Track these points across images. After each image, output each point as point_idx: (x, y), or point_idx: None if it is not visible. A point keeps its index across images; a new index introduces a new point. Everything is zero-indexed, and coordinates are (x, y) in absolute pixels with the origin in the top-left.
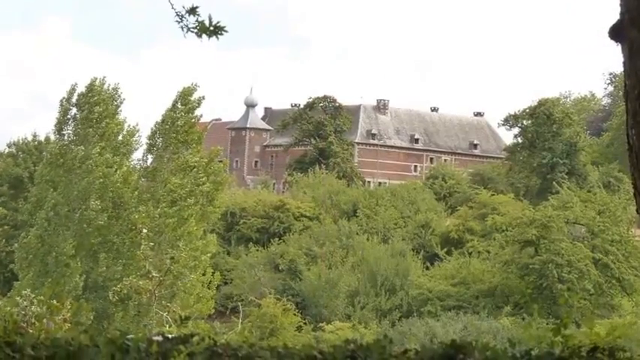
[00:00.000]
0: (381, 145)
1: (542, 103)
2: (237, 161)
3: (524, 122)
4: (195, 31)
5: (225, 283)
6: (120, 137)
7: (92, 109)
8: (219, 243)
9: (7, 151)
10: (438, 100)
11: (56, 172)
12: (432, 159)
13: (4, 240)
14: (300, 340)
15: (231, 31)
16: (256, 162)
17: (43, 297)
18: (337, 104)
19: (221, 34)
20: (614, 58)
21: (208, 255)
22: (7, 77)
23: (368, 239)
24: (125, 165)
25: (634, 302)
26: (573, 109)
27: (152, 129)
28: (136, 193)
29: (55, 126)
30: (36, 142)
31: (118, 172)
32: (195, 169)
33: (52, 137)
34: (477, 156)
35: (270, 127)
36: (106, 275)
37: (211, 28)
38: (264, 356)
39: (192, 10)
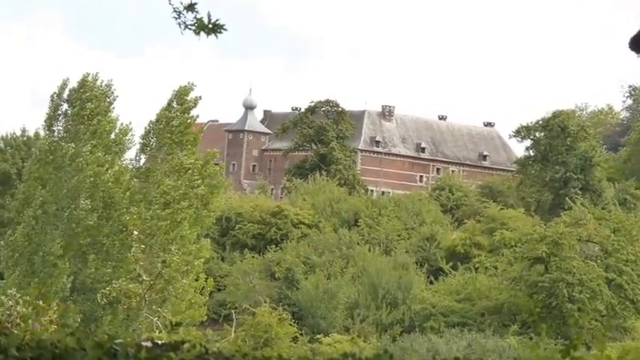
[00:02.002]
0: (386, 153)
1: (556, 115)
2: (233, 164)
3: (537, 134)
4: (194, 28)
5: (219, 290)
6: (112, 135)
7: (84, 106)
8: (213, 248)
9: None
10: (447, 108)
11: (45, 169)
12: (438, 169)
13: None
14: (295, 352)
15: (232, 33)
16: (254, 166)
17: (29, 297)
18: (340, 109)
19: (220, 32)
20: (634, 70)
21: (201, 260)
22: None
23: (369, 250)
24: (117, 164)
25: None
26: (589, 122)
27: (146, 128)
28: (128, 193)
29: (45, 121)
30: (25, 138)
31: (109, 171)
32: (189, 171)
33: (42, 133)
34: (486, 168)
35: (269, 131)
36: (94, 277)
37: (210, 26)
38: None
39: (191, 7)
